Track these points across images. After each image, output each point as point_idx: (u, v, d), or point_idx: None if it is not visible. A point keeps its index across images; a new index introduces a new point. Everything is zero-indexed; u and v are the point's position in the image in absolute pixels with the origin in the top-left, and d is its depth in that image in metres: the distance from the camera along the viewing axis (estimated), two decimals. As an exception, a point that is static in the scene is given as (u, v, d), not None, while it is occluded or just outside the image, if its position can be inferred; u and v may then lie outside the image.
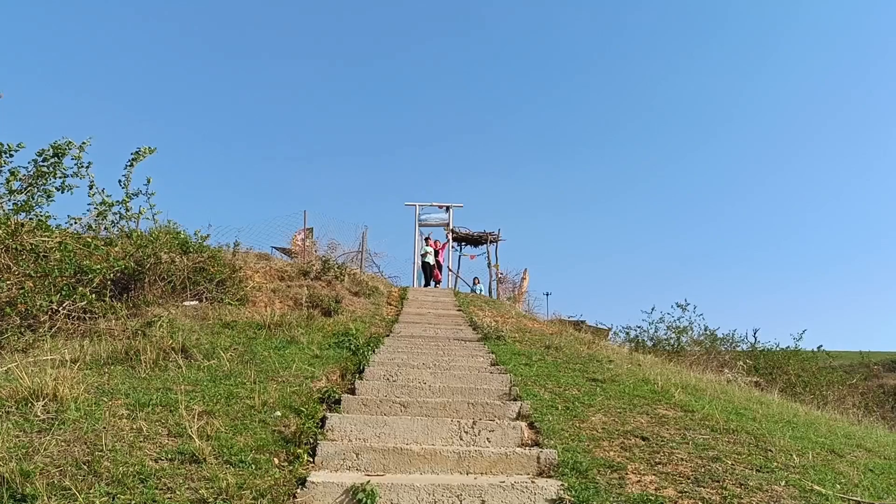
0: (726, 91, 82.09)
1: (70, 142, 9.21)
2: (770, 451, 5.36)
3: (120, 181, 10.73)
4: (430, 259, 20.79)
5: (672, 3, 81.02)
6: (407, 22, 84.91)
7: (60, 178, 8.54)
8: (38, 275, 7.83)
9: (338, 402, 5.86)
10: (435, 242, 21.79)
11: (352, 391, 6.38)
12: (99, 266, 8.53)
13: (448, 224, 22.72)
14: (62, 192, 8.53)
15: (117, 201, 9.83)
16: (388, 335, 10.50)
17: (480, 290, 21.80)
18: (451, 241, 22.51)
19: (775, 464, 5.00)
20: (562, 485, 4.26)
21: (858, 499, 4.42)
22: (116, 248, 9.33)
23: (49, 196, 8.40)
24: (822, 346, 19.26)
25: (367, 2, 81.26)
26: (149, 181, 10.80)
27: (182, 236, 11.01)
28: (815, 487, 4.50)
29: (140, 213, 10.96)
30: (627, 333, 19.46)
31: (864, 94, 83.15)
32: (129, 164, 10.80)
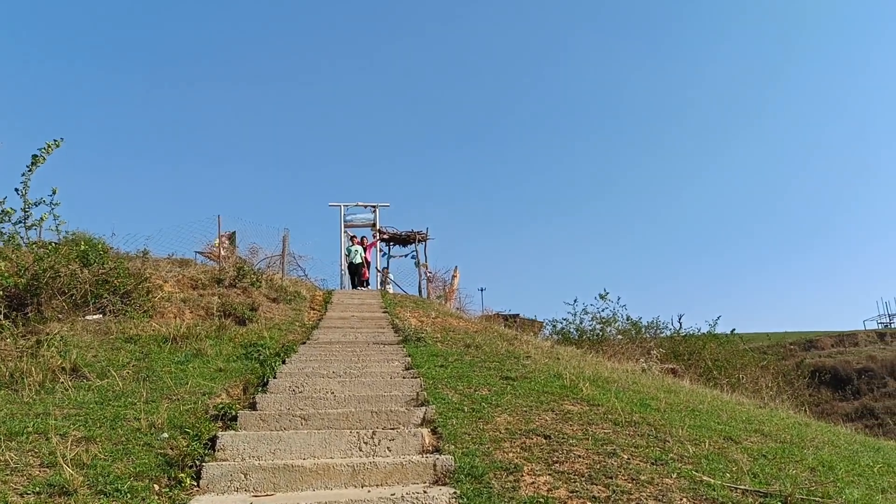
0: (638, 85, 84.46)
1: None
2: (668, 442, 5.48)
3: (17, 189, 10.17)
4: (358, 258, 20.46)
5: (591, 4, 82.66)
6: (328, 11, 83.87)
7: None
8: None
9: (234, 418, 5.66)
10: (362, 240, 21.50)
11: (253, 406, 6.18)
12: (-17, 283, 8.03)
13: (375, 224, 22.52)
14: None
15: (4, 211, 9.30)
16: (304, 342, 10.29)
17: (390, 280, 21.67)
18: (378, 241, 22.31)
19: (671, 455, 5.09)
20: (454, 492, 4.21)
21: (746, 487, 4.54)
22: (5, 263, 8.81)
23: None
24: (734, 329, 19.99)
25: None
26: (54, 191, 10.27)
27: (82, 247, 10.49)
28: (705, 478, 4.60)
29: (42, 219, 10.43)
30: (554, 326, 19.74)
31: (787, 84, 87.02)
32: (28, 167, 10.23)
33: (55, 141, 10.40)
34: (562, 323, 19.50)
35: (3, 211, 9.81)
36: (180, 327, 9.28)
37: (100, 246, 10.87)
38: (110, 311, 10.15)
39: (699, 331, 19.44)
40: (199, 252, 18.06)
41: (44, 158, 10.28)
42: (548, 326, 20.49)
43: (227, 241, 17.81)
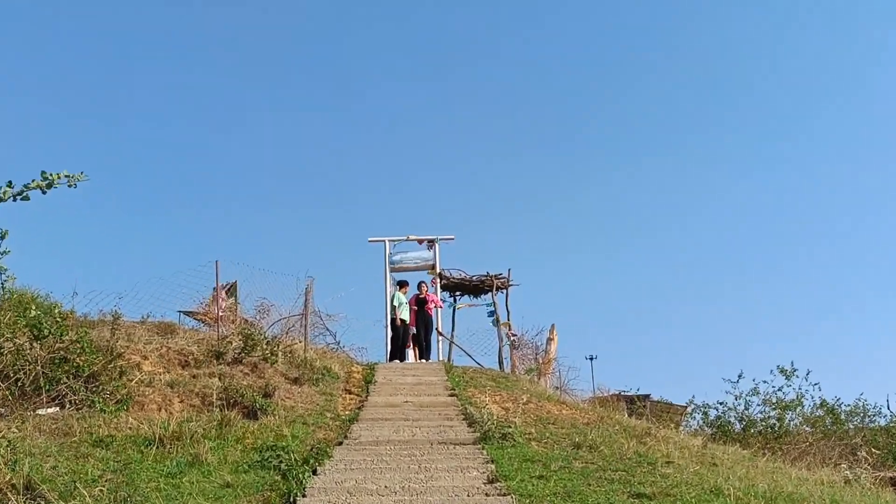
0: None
1: None
2: None
3: None
4: (406, 312, 20.42)
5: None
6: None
7: None
8: None
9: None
10: (422, 286, 21.34)
11: (275, 538, 6.42)
12: None
13: (434, 266, 22.61)
14: None
15: None
16: (341, 442, 10.55)
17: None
18: (438, 289, 22.41)
19: None
20: None
21: None
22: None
23: None
24: None
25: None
26: (4, 235, 10.84)
27: (33, 313, 11.09)
28: None
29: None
30: (705, 414, 19.48)
31: None
32: None
33: (71, 175, 10.63)
34: (717, 409, 19.30)
35: None
36: (168, 424, 9.69)
37: (56, 311, 11.46)
38: (71, 401, 10.68)
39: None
40: (186, 312, 18.64)
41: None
42: (696, 414, 20.23)
43: (226, 297, 18.35)
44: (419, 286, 21.05)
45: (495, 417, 11.76)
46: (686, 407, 21.47)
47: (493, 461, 9.20)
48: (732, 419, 18.71)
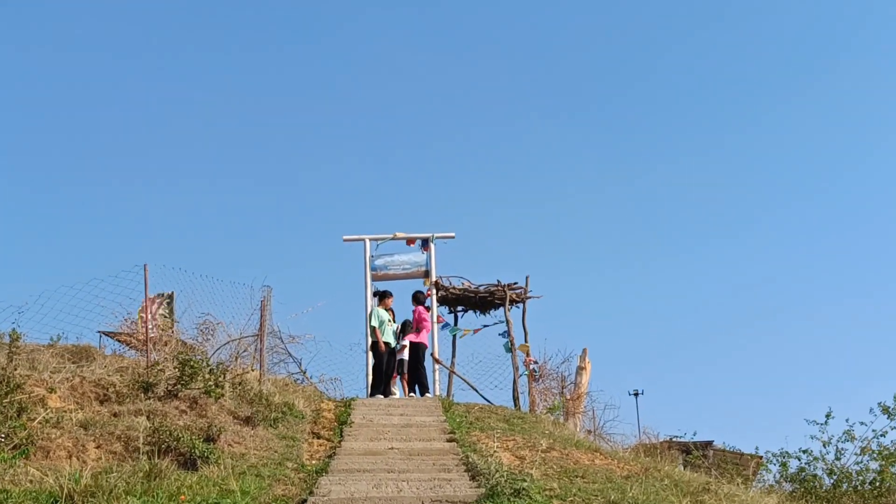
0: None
1: None
2: None
3: None
4: (391, 335, 20.22)
5: None
6: None
7: None
8: None
9: None
10: (416, 297, 21.28)
11: None
12: None
13: (428, 272, 22.57)
14: None
15: None
16: (305, 500, 10.50)
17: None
18: (435, 303, 22.34)
19: None
20: None
21: None
22: None
23: None
24: None
25: None
26: None
27: None
28: None
29: None
30: (784, 465, 19.31)
31: None
32: None
33: None
34: (799, 458, 19.15)
35: None
36: (80, 475, 9.59)
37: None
38: (-46, 445, 10.60)
39: None
40: (105, 332, 18.55)
41: None
42: (772, 465, 20.14)
43: (158, 311, 18.26)
44: (414, 298, 20.92)
45: (506, 468, 11.71)
46: (760, 457, 21.41)
47: (502, 527, 9.13)
48: (820, 472, 18.61)
